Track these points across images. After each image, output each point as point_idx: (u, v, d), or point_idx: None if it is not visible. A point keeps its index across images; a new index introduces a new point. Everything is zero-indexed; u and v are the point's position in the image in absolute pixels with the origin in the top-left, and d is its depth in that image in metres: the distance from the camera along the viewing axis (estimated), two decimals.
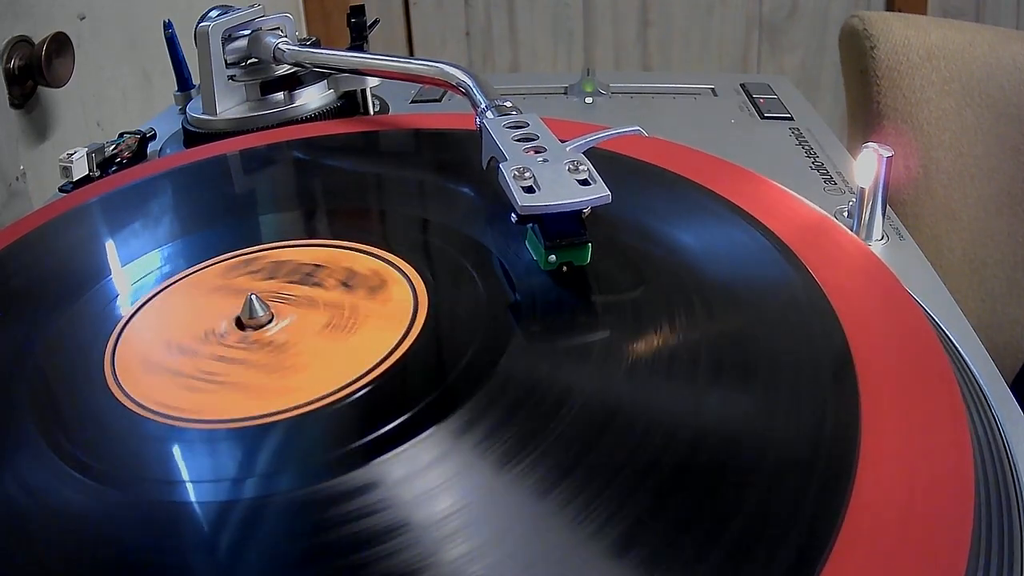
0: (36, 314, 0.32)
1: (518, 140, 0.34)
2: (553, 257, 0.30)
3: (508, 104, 0.38)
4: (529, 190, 0.30)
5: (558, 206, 0.29)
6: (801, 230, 0.32)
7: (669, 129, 0.47)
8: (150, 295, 0.32)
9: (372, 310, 0.30)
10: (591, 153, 0.33)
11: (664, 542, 0.20)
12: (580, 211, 0.30)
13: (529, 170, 0.31)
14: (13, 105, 0.59)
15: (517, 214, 0.30)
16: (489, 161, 0.35)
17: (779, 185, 0.37)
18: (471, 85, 0.41)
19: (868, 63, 0.68)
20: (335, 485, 0.22)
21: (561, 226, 0.30)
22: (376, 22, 0.56)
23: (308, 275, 0.32)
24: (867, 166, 0.36)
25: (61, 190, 0.46)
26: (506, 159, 0.32)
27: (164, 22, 0.58)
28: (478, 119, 0.37)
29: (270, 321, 0.29)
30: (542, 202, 0.29)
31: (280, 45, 0.49)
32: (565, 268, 0.30)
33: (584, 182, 0.30)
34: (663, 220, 0.34)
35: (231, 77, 0.50)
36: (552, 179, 0.30)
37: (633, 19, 1.32)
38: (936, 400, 0.24)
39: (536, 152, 0.32)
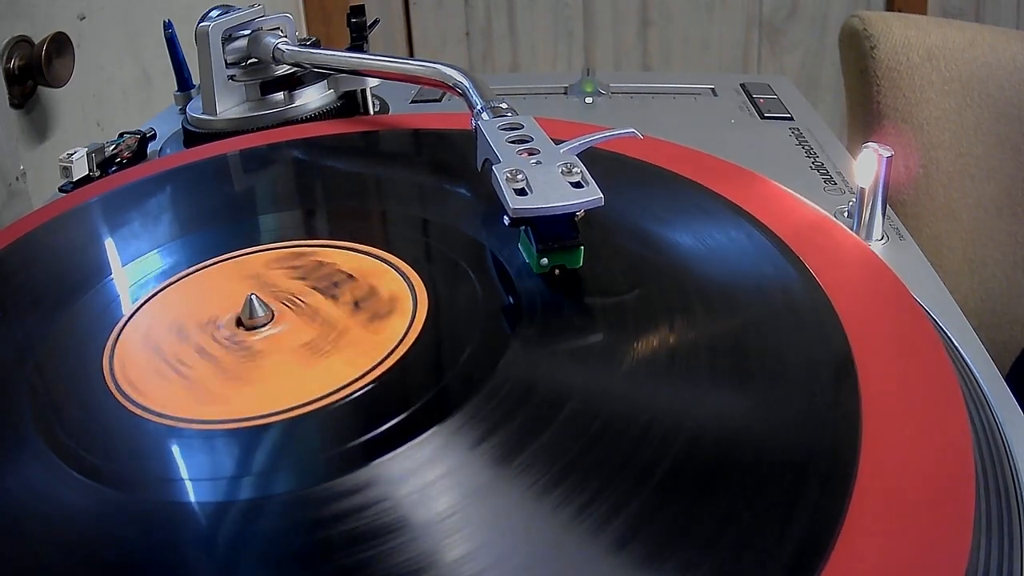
0: (36, 314, 0.32)
1: (512, 142, 0.33)
2: (545, 260, 0.30)
3: (504, 106, 0.38)
4: (521, 192, 0.30)
5: (550, 208, 0.29)
6: (801, 230, 0.32)
7: (669, 129, 0.47)
8: (149, 295, 0.32)
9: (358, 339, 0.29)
10: (590, 153, 0.33)
11: (664, 542, 0.20)
12: (573, 214, 0.30)
13: (522, 172, 0.30)
14: (13, 105, 0.59)
15: (509, 217, 0.29)
16: (483, 163, 0.35)
17: (779, 185, 0.37)
18: (467, 86, 0.41)
19: (868, 63, 0.68)
20: (335, 486, 0.22)
21: (553, 229, 0.30)
22: (376, 22, 0.56)
23: (333, 284, 0.31)
24: (867, 166, 0.36)
25: (61, 190, 0.46)
26: (499, 161, 0.32)
27: (164, 22, 0.58)
28: (473, 120, 0.37)
29: (268, 323, 0.29)
30: (534, 204, 0.29)
31: (280, 45, 0.49)
32: (558, 271, 0.30)
33: (577, 184, 0.30)
34: (663, 220, 0.34)
35: (231, 77, 0.50)
36: (545, 181, 0.30)
37: (633, 19, 1.32)
38: (936, 400, 0.24)
39: (530, 154, 0.32)
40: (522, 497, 0.22)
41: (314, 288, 0.31)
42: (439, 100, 0.59)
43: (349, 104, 0.53)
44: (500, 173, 0.31)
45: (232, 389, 0.27)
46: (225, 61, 0.50)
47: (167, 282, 0.33)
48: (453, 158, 0.43)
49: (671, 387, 0.25)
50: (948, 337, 0.31)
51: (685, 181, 0.37)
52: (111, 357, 0.29)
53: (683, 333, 0.28)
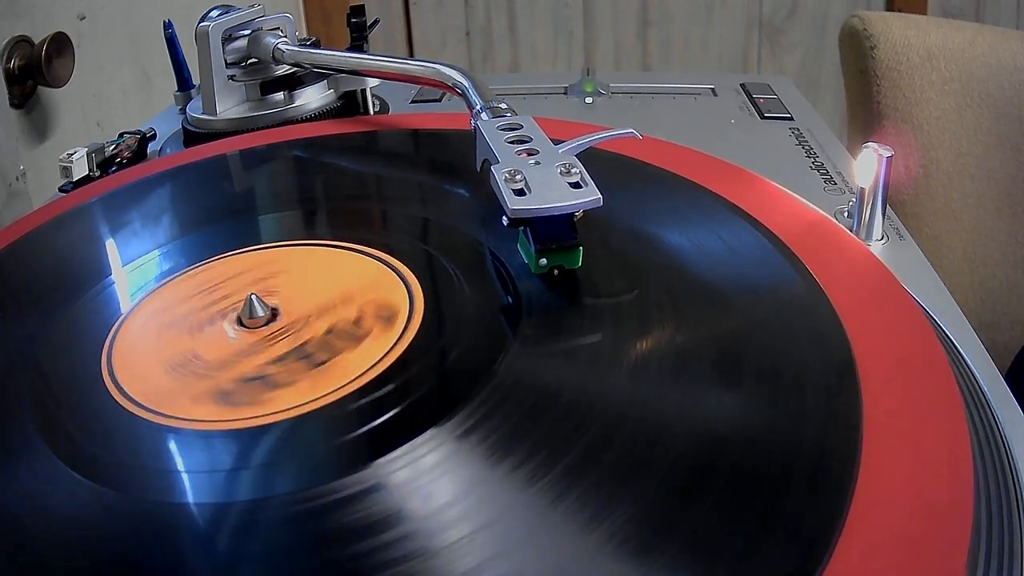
0: (36, 314, 0.32)
1: (511, 142, 0.33)
2: (544, 261, 0.30)
3: (503, 106, 0.38)
4: (520, 193, 0.30)
5: (548, 209, 0.29)
6: (801, 230, 0.32)
7: (669, 129, 0.47)
8: (150, 295, 0.32)
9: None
10: (590, 153, 0.33)
11: (664, 542, 0.20)
12: (571, 214, 0.30)
13: (520, 172, 0.30)
14: (13, 105, 0.59)
15: (508, 217, 0.29)
16: (482, 163, 0.35)
17: (779, 185, 0.37)
18: (467, 86, 0.41)
19: (868, 63, 0.68)
20: (333, 487, 0.22)
21: (552, 229, 0.30)
22: (376, 22, 0.56)
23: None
24: (867, 166, 0.36)
25: (61, 190, 0.46)
26: (498, 161, 0.32)
27: (164, 22, 0.58)
28: (472, 120, 0.37)
29: (272, 319, 0.29)
30: (532, 205, 0.29)
31: (279, 45, 0.49)
32: (556, 272, 0.30)
33: (576, 185, 0.30)
34: (662, 221, 0.34)
35: (231, 77, 0.50)
36: (543, 182, 0.30)
37: (633, 19, 1.32)
38: (936, 400, 0.24)
39: (528, 154, 0.32)
40: (521, 497, 0.22)
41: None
42: (439, 100, 0.59)
43: (349, 104, 0.53)
44: (499, 173, 0.31)
45: (233, 387, 0.27)
46: (225, 61, 0.50)
47: (166, 281, 0.33)
48: (453, 158, 0.43)
49: (671, 388, 0.25)
50: (948, 337, 0.31)
51: (685, 181, 0.37)
52: (110, 356, 0.29)
53: (682, 334, 0.28)
